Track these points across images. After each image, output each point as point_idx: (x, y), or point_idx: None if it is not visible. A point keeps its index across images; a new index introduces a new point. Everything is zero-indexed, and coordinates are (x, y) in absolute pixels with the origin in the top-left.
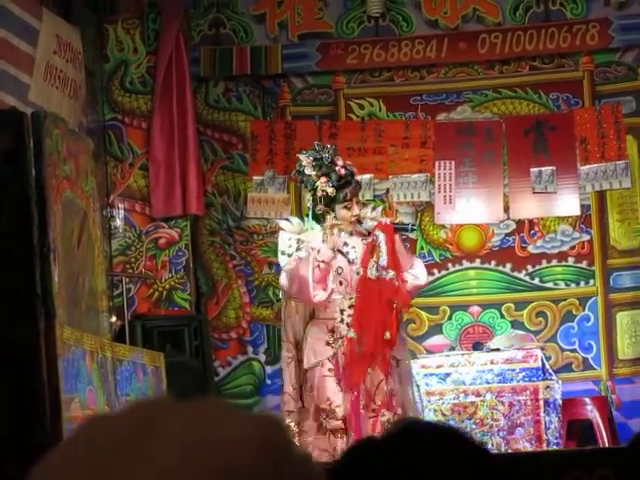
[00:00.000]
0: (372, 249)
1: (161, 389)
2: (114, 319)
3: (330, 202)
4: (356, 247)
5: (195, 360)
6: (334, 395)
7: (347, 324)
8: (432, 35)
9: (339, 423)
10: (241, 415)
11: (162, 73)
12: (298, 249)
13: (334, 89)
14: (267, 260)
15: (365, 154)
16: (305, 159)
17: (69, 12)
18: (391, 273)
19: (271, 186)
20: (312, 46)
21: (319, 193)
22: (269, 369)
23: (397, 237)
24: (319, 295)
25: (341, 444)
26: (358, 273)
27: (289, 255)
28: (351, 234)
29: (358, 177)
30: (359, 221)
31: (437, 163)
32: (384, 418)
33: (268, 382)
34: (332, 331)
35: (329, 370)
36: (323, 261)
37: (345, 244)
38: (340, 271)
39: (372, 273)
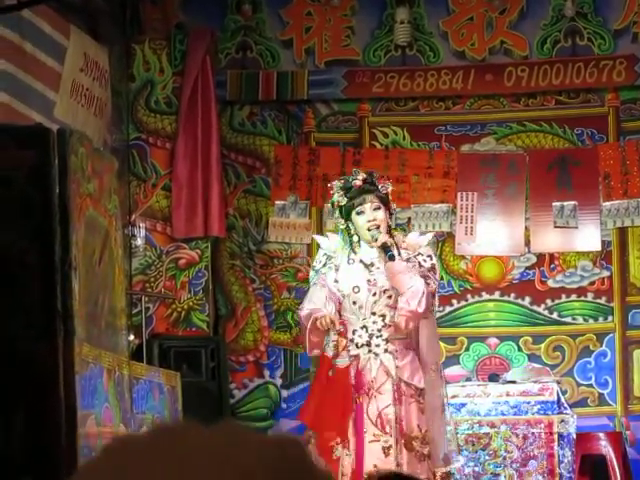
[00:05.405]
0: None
1: (176, 409)
2: (132, 337)
3: (347, 214)
4: (380, 268)
5: (211, 382)
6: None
7: (356, 344)
8: (459, 66)
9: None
10: (260, 438)
11: (187, 94)
12: (324, 265)
13: (359, 117)
14: (286, 285)
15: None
16: (337, 182)
17: (97, 30)
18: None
19: (293, 211)
20: (338, 73)
21: (335, 205)
22: (285, 393)
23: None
24: (315, 352)
25: (341, 469)
26: (375, 294)
27: (316, 271)
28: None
29: (386, 188)
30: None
31: (459, 194)
32: (386, 444)
33: (284, 406)
34: (339, 347)
35: None
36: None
37: (372, 264)
38: (356, 290)
39: (344, 362)
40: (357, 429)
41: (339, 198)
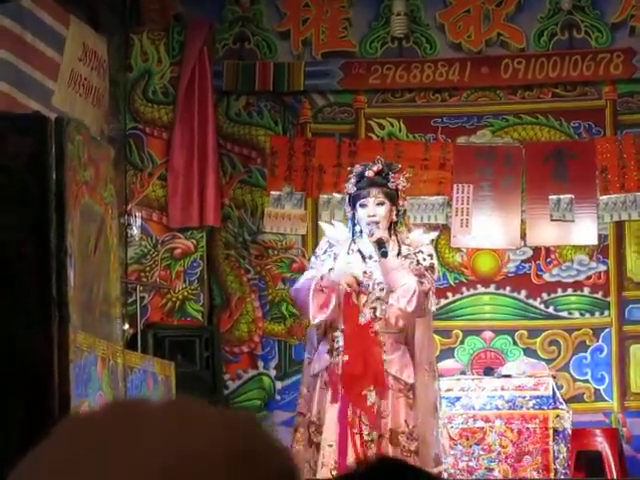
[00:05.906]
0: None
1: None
2: (127, 327)
3: (353, 204)
4: (377, 261)
5: (205, 371)
6: (324, 410)
7: None
8: (455, 58)
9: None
10: (216, 419)
11: (185, 85)
12: (325, 252)
13: (355, 108)
14: (281, 276)
15: None
16: (355, 168)
17: (96, 20)
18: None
19: (288, 202)
20: (335, 64)
21: (346, 192)
22: (279, 384)
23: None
24: (319, 318)
25: (321, 459)
26: (368, 286)
27: (316, 257)
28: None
29: (396, 183)
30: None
31: (455, 186)
32: (369, 437)
33: (277, 397)
34: (333, 340)
35: (325, 383)
36: (326, 287)
37: (370, 256)
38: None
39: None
40: (340, 421)
41: (350, 186)
